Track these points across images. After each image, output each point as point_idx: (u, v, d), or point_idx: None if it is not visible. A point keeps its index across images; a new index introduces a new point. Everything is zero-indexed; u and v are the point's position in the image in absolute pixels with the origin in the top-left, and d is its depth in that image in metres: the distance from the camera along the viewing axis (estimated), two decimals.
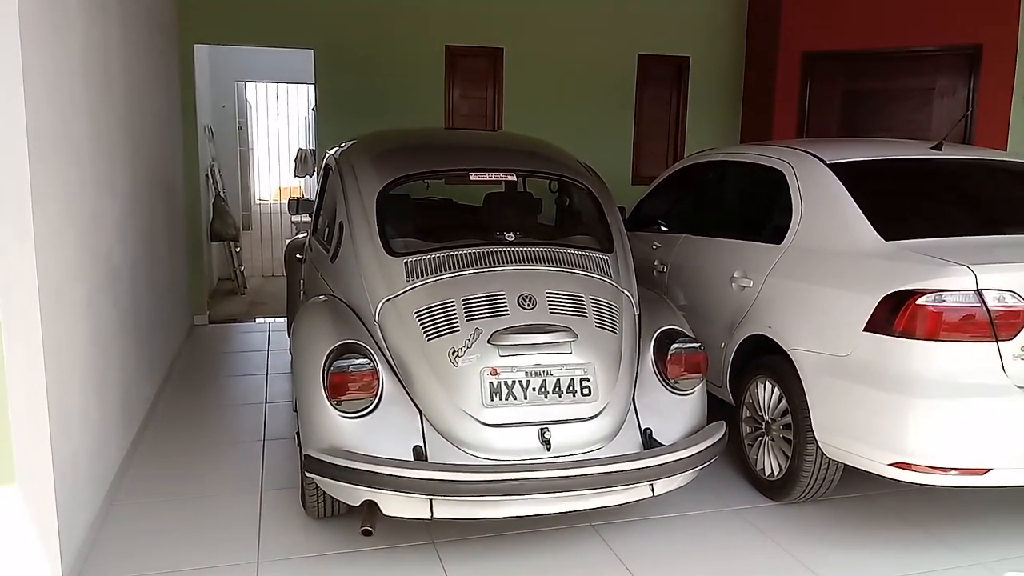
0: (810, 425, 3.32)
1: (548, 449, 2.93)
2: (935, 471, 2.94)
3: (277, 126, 11.71)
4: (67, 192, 3.04)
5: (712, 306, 4.08)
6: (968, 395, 2.89)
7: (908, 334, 2.93)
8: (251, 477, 3.84)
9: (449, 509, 2.83)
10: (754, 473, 3.75)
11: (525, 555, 3.15)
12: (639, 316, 3.45)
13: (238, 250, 9.04)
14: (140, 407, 4.38)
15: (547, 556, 3.15)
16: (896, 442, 2.98)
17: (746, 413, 3.83)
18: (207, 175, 8.22)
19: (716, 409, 3.55)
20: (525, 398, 2.97)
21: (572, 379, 3.03)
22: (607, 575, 3.02)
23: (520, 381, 2.98)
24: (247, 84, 11.97)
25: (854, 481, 3.52)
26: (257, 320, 7.61)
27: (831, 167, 3.68)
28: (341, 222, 3.63)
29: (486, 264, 3.27)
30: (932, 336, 2.90)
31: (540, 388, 2.99)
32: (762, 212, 4.08)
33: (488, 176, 3.78)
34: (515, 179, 4.23)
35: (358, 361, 2.98)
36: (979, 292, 2.87)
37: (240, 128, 11.50)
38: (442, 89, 7.32)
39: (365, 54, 7.06)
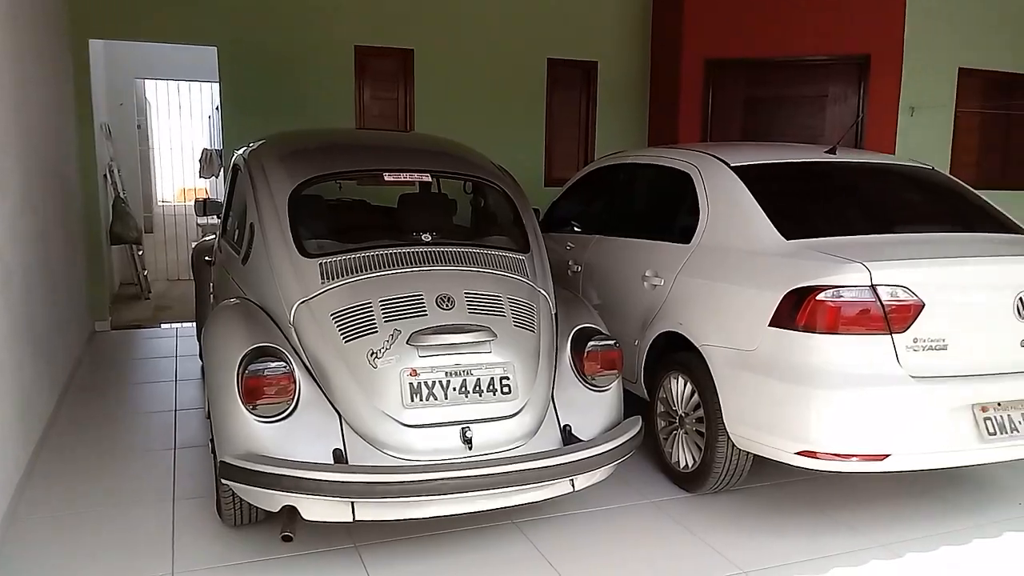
0: (721, 418, 3.44)
1: (469, 448, 2.95)
2: (838, 458, 3.09)
3: (180, 125, 11.30)
4: None
5: (625, 304, 4.18)
6: (866, 385, 3.05)
7: (810, 328, 3.08)
8: (163, 487, 3.71)
9: (371, 511, 2.81)
10: (669, 466, 3.86)
11: (449, 554, 3.16)
12: (556, 315, 3.50)
13: (140, 253, 8.70)
14: (39, 417, 4.16)
15: (471, 554, 3.17)
16: (801, 431, 3.12)
17: (660, 408, 3.94)
18: (105, 175, 7.89)
19: (632, 404, 3.64)
20: (446, 398, 2.98)
21: (492, 378, 3.06)
22: (530, 571, 3.06)
23: (440, 381, 2.99)
24: (146, 81, 11.52)
25: (764, 470, 3.66)
26: (163, 325, 7.35)
27: (734, 169, 3.83)
28: (252, 223, 3.56)
29: (403, 265, 3.27)
30: (832, 330, 3.05)
31: (460, 388, 3.00)
32: (671, 213, 4.21)
33: (403, 177, 3.76)
34: (430, 180, 4.23)
35: (273, 364, 2.92)
36: (873, 288, 3.04)
37: (140, 127, 11.07)
38: (352, 89, 7.24)
39: (271, 52, 6.92)
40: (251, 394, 2.87)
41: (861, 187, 4.11)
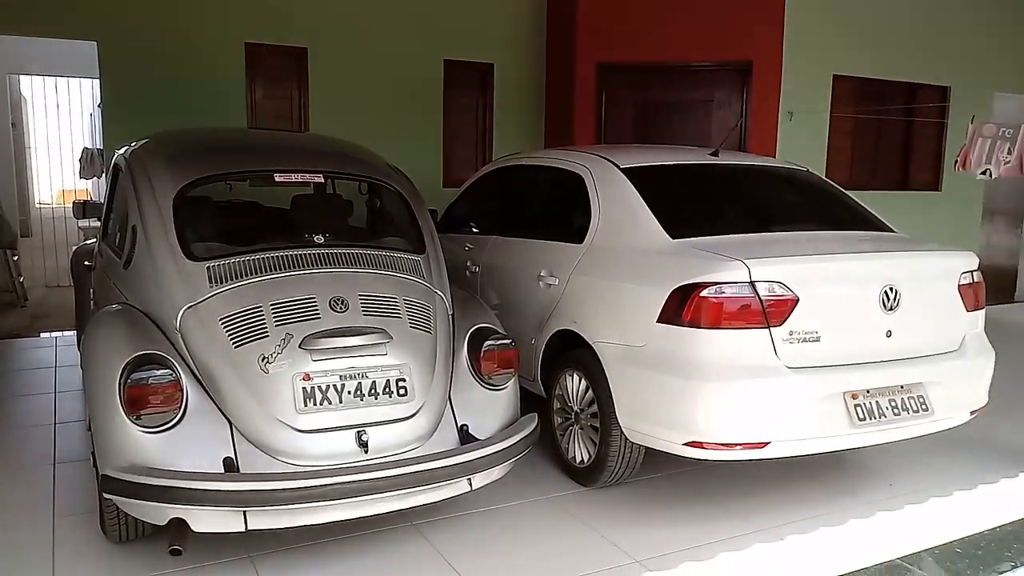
0: (614, 412, 3.53)
1: (366, 452, 2.93)
2: (723, 447, 3.24)
3: (58, 123, 10.72)
4: None
5: (522, 304, 4.24)
6: (747, 377, 3.20)
7: (695, 324, 3.20)
8: (42, 504, 3.53)
9: (265, 520, 2.76)
10: (566, 461, 3.94)
11: (348, 559, 3.12)
12: (452, 315, 3.52)
13: (16, 258, 8.23)
14: None
15: (370, 558, 3.14)
16: (688, 423, 3.25)
17: (557, 404, 4.01)
18: None
19: (530, 402, 3.69)
20: (340, 402, 2.95)
21: (388, 380, 3.05)
22: (430, 572, 3.06)
23: (335, 385, 2.96)
24: (21, 77, 10.91)
25: (656, 462, 3.78)
26: (42, 334, 6.96)
27: (624, 171, 3.95)
28: (134, 226, 3.43)
29: (295, 267, 3.22)
30: (715, 325, 3.19)
31: (356, 391, 2.98)
32: (565, 214, 4.29)
33: (294, 177, 3.70)
34: (323, 181, 4.18)
35: (159, 372, 2.83)
36: (752, 284, 3.19)
37: (14, 125, 10.47)
38: (243, 88, 7.05)
39: (156, 48, 6.66)
40: (134, 404, 2.77)
41: (741, 188, 4.30)
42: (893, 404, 3.36)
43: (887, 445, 3.61)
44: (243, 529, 2.73)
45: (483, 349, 3.39)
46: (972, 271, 3.69)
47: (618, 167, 3.99)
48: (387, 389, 3.04)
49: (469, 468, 3.03)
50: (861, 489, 3.88)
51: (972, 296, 3.66)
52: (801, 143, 7.57)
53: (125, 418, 2.77)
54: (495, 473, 3.18)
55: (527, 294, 4.21)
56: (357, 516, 2.90)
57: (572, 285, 3.88)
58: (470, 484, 3.09)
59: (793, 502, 3.71)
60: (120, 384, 2.79)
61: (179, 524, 2.71)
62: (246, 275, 3.14)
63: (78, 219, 5.09)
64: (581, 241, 3.93)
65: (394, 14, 7.52)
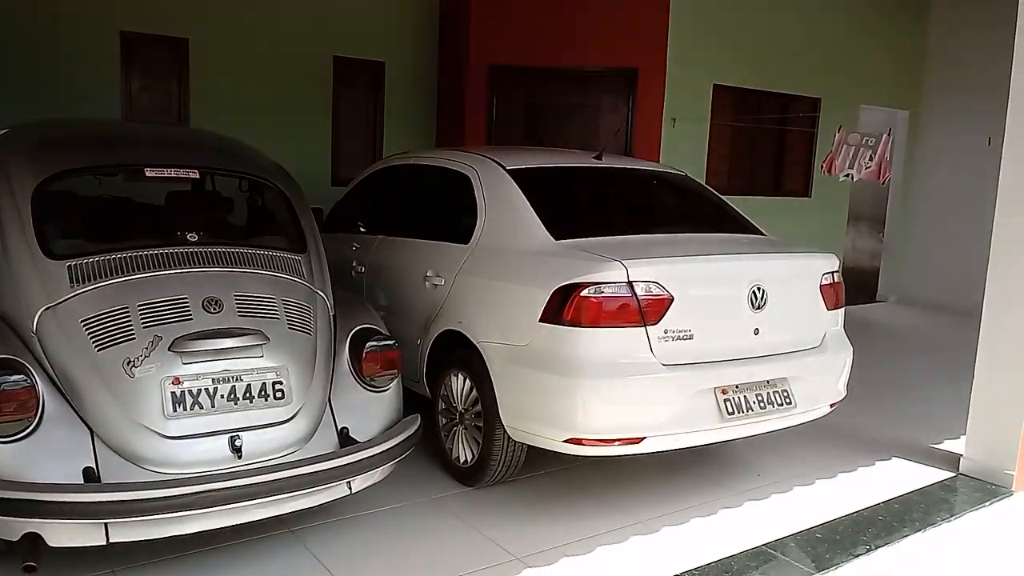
0: (497, 411, 3.56)
1: (239, 457, 2.84)
2: (601, 443, 3.32)
3: None
4: None
5: (408, 305, 4.22)
6: (625, 374, 3.28)
7: (575, 323, 3.26)
8: None
9: (129, 531, 2.64)
10: (450, 462, 3.94)
11: (222, 570, 3.02)
12: (334, 316, 3.46)
13: None
14: None
15: (245, 568, 3.05)
16: (568, 420, 3.30)
17: (442, 405, 4.00)
18: None
19: (416, 404, 3.67)
20: (213, 406, 2.85)
21: (264, 383, 2.97)
22: None
23: (207, 389, 2.86)
24: None
25: (539, 461, 3.83)
26: None
27: (510, 173, 3.99)
28: None
29: (165, 266, 3.09)
30: (594, 324, 3.26)
31: (229, 395, 2.89)
32: (451, 214, 4.29)
33: (167, 173, 3.55)
34: (198, 176, 4.02)
35: (12, 378, 2.67)
36: (630, 284, 3.28)
37: None
38: (118, 79, 6.70)
39: (20, 33, 6.23)
40: None
41: (623, 191, 4.42)
42: (760, 398, 3.52)
43: (755, 437, 3.79)
44: (104, 542, 2.61)
45: (365, 350, 3.35)
46: (833, 272, 3.91)
47: (504, 168, 4.02)
48: (263, 392, 2.96)
49: (348, 471, 2.99)
50: (731, 480, 4.06)
51: (833, 295, 3.88)
52: (683, 149, 7.83)
53: None
54: (376, 475, 3.15)
55: (413, 295, 4.18)
56: (229, 524, 2.82)
57: (458, 285, 3.88)
58: (350, 487, 3.05)
59: (668, 494, 3.84)
60: None
61: (33, 539, 2.56)
62: (111, 274, 2.99)
63: None
64: (467, 241, 3.94)
65: (282, 7, 7.32)
